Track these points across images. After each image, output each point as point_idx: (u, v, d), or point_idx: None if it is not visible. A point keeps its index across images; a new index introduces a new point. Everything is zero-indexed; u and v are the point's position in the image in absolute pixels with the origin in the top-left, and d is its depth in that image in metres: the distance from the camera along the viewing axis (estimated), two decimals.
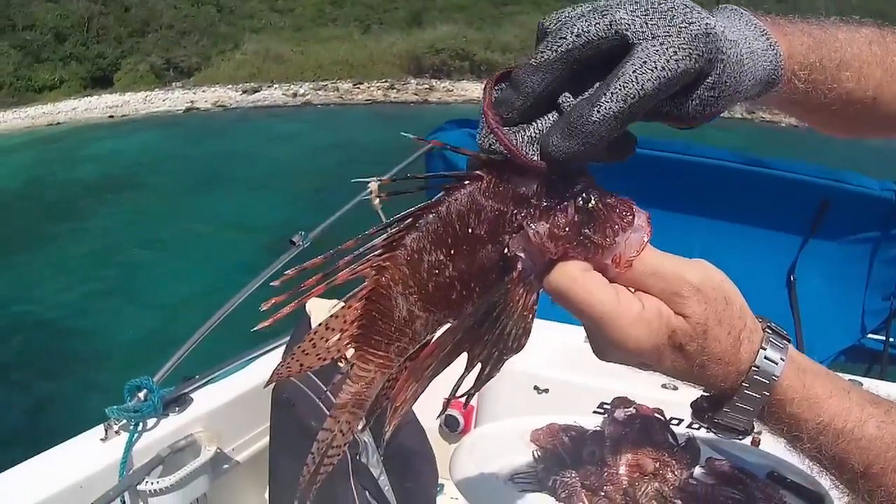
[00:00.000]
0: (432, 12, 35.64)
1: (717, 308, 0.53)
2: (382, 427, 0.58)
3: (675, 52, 0.45)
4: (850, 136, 0.83)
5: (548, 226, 0.49)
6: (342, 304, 0.54)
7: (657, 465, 1.20)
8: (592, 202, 0.49)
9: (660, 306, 0.52)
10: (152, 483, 1.58)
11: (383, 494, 1.59)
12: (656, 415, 1.36)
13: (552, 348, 2.10)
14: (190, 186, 15.85)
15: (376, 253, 0.52)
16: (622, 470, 1.19)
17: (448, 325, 0.54)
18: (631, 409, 1.33)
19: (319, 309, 1.65)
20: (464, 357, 0.55)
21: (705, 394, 0.61)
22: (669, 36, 0.46)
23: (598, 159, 0.50)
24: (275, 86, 31.53)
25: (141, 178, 16.97)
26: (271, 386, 1.58)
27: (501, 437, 1.33)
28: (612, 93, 0.45)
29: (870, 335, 2.47)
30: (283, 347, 1.61)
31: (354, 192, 2.29)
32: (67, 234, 12.63)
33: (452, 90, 30.83)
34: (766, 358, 0.55)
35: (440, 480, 1.94)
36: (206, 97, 30.36)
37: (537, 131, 0.48)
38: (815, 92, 0.67)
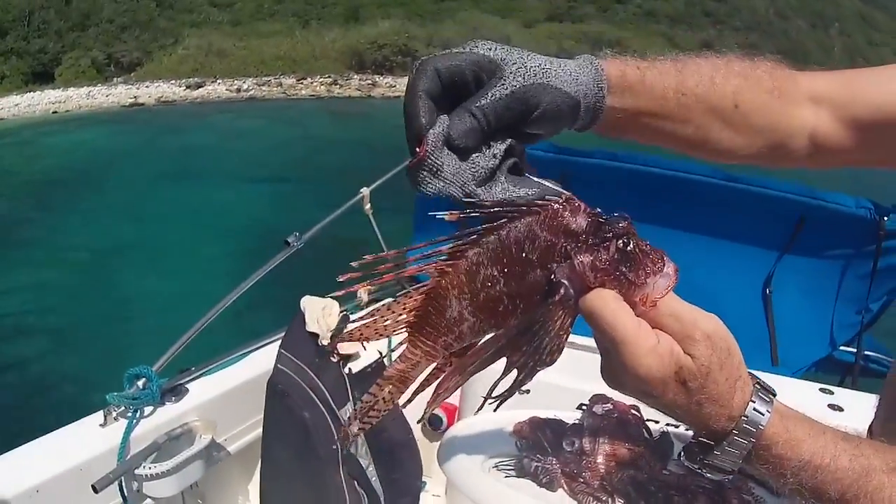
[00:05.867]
0: (370, 8, 35.59)
1: (721, 356, 0.62)
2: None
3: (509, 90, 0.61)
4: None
5: (591, 258, 0.57)
6: (407, 291, 0.63)
7: (633, 455, 1.28)
8: (631, 245, 0.58)
9: (672, 344, 0.60)
10: (149, 468, 1.61)
11: (371, 484, 1.65)
12: (633, 411, 1.43)
13: None
14: (152, 182, 14.95)
15: (442, 258, 0.60)
16: (600, 459, 1.26)
17: (493, 333, 0.62)
18: (608, 404, 1.41)
19: (313, 305, 1.72)
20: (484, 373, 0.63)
21: (693, 440, 0.69)
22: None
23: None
24: (218, 81, 30.92)
25: (99, 174, 15.88)
26: (265, 379, 1.64)
27: (486, 429, 1.40)
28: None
29: (842, 347, 2.54)
30: (277, 343, 1.67)
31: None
32: (33, 233, 11.79)
33: (395, 86, 30.26)
34: (755, 409, 0.64)
35: (423, 478, 1.99)
36: (150, 92, 29.77)
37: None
38: (648, 118, 0.75)
